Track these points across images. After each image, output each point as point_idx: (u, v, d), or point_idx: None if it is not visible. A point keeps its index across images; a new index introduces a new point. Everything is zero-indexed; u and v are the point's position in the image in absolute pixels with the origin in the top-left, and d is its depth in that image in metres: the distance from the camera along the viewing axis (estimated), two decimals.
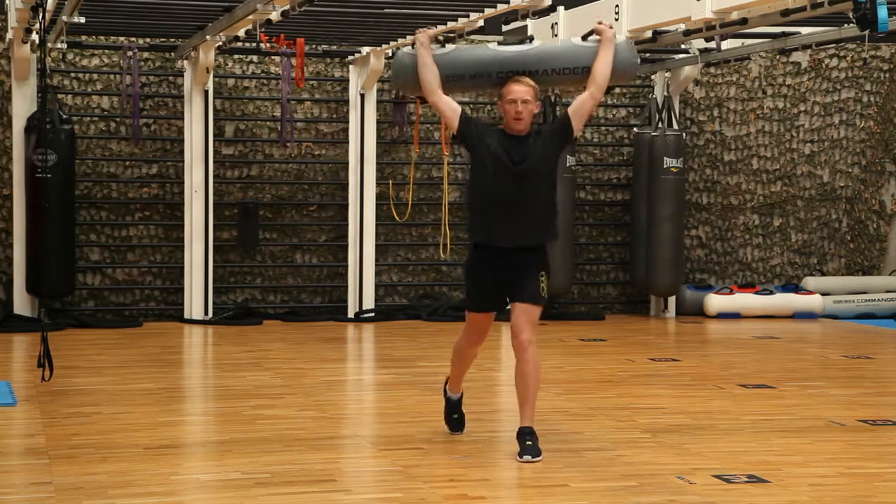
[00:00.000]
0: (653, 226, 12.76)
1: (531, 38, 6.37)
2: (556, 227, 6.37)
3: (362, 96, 12.53)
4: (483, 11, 9.98)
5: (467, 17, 10.26)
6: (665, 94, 13.18)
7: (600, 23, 6.37)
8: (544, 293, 6.21)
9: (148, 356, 9.92)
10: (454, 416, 6.54)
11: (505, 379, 9.01)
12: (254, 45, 11.20)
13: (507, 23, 11.55)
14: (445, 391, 6.67)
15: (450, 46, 6.43)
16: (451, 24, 10.51)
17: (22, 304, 11.70)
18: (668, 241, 12.75)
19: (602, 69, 6.24)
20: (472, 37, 12.32)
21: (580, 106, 6.26)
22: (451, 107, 6.27)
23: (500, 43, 6.46)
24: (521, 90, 6.17)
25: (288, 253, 12.85)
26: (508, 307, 6.31)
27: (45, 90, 9.32)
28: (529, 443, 6.11)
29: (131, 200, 12.42)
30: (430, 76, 6.24)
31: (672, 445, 6.53)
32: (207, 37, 10.72)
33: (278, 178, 12.79)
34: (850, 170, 14.18)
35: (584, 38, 6.42)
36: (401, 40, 11.67)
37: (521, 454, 6.09)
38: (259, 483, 5.60)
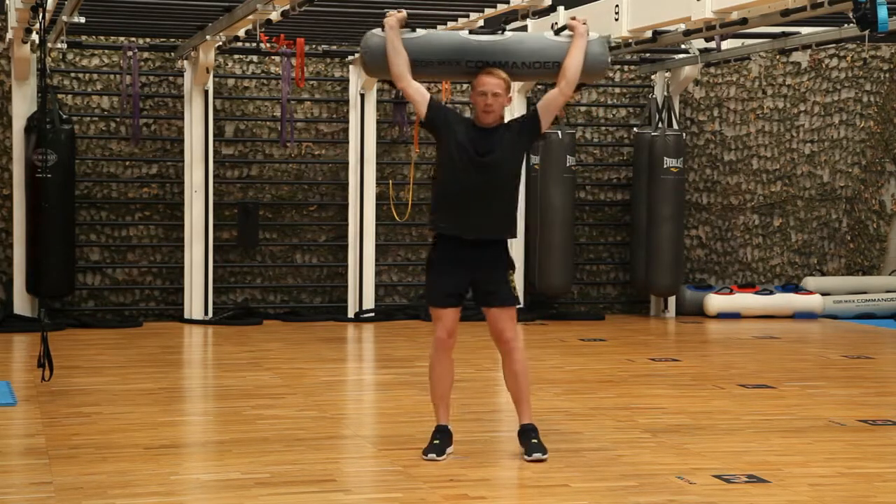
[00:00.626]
0: (653, 226, 12.76)
1: (503, 30, 6.22)
2: (515, 224, 6.28)
3: (362, 96, 12.53)
4: (483, 11, 9.99)
5: (467, 17, 10.27)
6: (665, 94, 13.19)
7: (574, 18, 6.25)
8: (516, 292, 6.20)
9: (148, 356, 9.92)
10: (434, 441, 6.21)
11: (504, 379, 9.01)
12: (254, 45, 11.20)
13: (507, 23, 11.56)
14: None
15: (420, 31, 6.28)
16: (451, 25, 10.52)
17: (22, 304, 11.70)
18: (668, 241, 12.75)
19: (573, 65, 6.11)
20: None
21: (549, 102, 6.16)
22: (420, 93, 6.15)
23: (471, 31, 6.32)
24: (493, 82, 6.07)
25: (288, 253, 12.85)
26: (474, 303, 6.29)
27: (45, 90, 9.33)
28: (535, 441, 6.11)
29: (131, 200, 12.42)
30: (400, 61, 6.11)
31: (672, 445, 6.53)
32: (207, 37, 10.72)
33: (278, 178, 12.79)
34: (850, 170, 14.18)
35: (557, 32, 6.29)
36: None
37: (528, 453, 6.07)
38: (259, 483, 5.60)
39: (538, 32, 6.37)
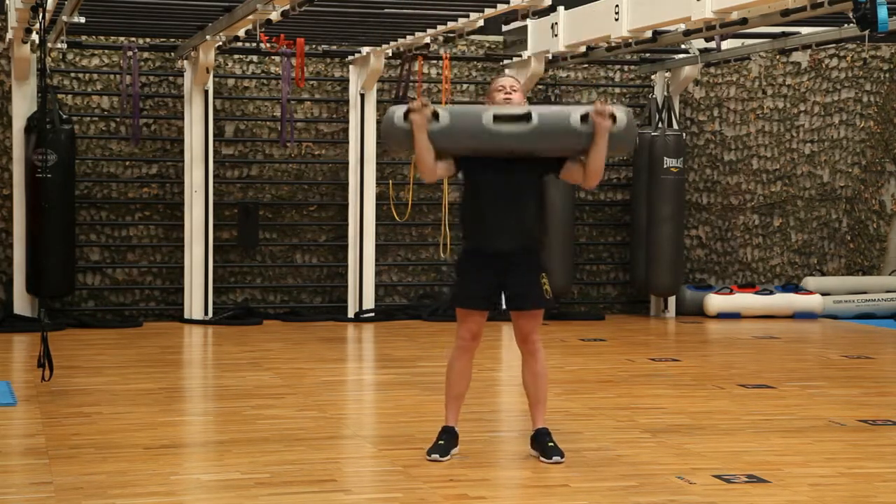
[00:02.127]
0: (653, 226, 12.76)
1: (528, 117, 5.98)
2: (545, 226, 6.26)
3: (362, 96, 12.53)
4: (483, 11, 9.99)
5: (467, 17, 10.27)
6: (665, 94, 13.18)
7: (599, 108, 5.89)
8: (549, 294, 6.14)
9: (148, 356, 9.92)
10: (439, 442, 6.17)
11: (505, 379, 9.02)
12: (254, 45, 11.20)
13: (507, 23, 11.59)
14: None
15: (443, 115, 5.97)
16: (451, 24, 10.52)
17: (22, 304, 11.70)
18: (668, 241, 12.75)
19: (594, 167, 5.95)
20: (473, 37, 12.34)
21: (569, 174, 6.08)
22: (449, 170, 6.10)
23: (496, 117, 5.97)
24: (509, 82, 6.12)
25: (288, 253, 12.85)
26: (504, 307, 6.25)
27: (45, 90, 9.32)
28: (552, 444, 6.09)
29: (131, 200, 12.42)
30: (429, 157, 5.95)
31: (672, 445, 6.53)
32: (207, 37, 10.72)
33: (278, 178, 12.79)
34: (850, 170, 14.18)
35: (583, 119, 5.93)
36: (401, 40, 11.68)
37: (548, 455, 6.03)
38: (259, 483, 5.60)
39: (564, 115, 6.00)
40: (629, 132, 6.03)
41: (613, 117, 5.91)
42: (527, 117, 5.91)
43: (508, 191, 6.05)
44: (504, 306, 6.21)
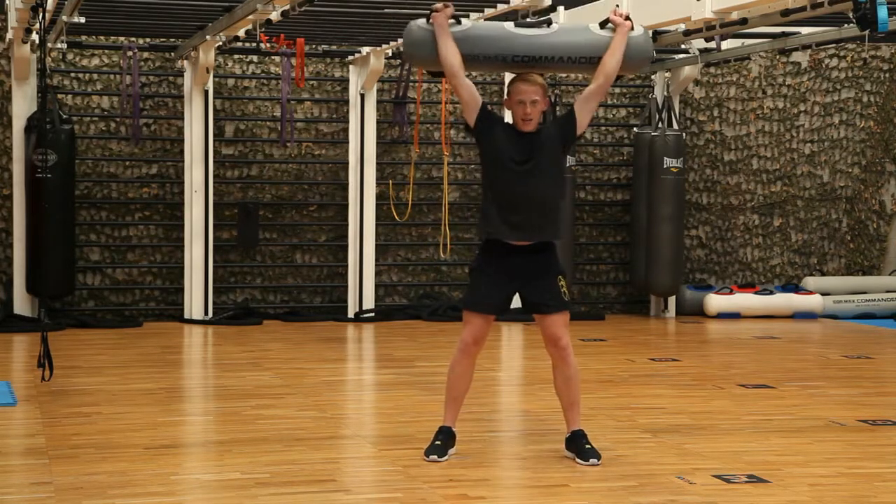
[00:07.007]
0: (653, 226, 12.76)
1: (549, 22, 6.14)
2: (560, 226, 6.27)
3: (362, 96, 12.53)
4: (483, 11, 9.99)
5: (467, 16, 10.26)
6: (665, 94, 13.19)
7: (616, 12, 6.14)
8: (567, 296, 6.14)
9: (148, 356, 9.92)
10: (436, 442, 6.15)
11: (505, 379, 9.02)
12: (254, 45, 11.20)
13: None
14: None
15: (465, 23, 6.09)
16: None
17: (22, 304, 11.70)
18: (668, 241, 12.75)
19: (612, 62, 6.03)
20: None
21: (588, 99, 6.08)
22: (473, 97, 6.02)
23: (517, 23, 6.19)
24: (531, 90, 5.98)
25: (288, 253, 12.85)
26: (528, 312, 6.25)
27: (45, 90, 9.32)
28: (589, 446, 6.08)
29: (131, 200, 12.42)
30: (453, 58, 5.93)
31: (672, 445, 6.53)
32: (207, 37, 10.72)
33: (278, 178, 12.79)
34: (850, 170, 14.18)
35: (602, 25, 6.15)
36: (401, 40, 11.68)
37: (584, 458, 6.02)
38: (259, 483, 5.60)
39: (582, 25, 6.23)
40: (647, 42, 6.24)
41: (630, 20, 6.10)
42: (548, 22, 6.10)
43: (525, 186, 6.00)
44: (525, 310, 6.21)
